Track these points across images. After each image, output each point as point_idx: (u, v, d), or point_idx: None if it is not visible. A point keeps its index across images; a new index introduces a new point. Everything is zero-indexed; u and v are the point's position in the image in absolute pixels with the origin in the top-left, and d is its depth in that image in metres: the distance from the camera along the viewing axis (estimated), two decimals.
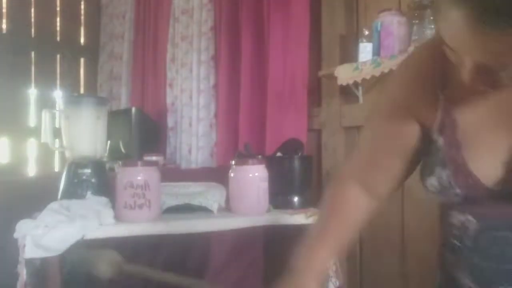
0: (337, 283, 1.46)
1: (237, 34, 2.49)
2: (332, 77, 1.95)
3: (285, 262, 1.94)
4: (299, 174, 1.54)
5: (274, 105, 2.23)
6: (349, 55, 2.01)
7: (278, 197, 1.50)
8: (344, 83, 1.87)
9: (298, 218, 1.43)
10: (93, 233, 1.21)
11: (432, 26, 1.80)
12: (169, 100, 3.01)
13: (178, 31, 2.97)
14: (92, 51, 3.87)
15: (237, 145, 2.41)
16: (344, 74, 1.86)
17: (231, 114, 2.52)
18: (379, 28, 1.76)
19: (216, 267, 1.82)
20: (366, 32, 1.85)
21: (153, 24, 3.25)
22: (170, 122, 2.99)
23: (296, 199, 1.53)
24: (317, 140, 2.14)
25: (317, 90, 2.15)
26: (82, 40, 3.89)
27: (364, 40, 1.85)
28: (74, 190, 1.39)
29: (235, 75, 2.49)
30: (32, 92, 3.51)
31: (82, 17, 3.88)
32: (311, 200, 1.58)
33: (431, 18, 1.80)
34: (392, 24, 1.72)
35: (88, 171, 1.41)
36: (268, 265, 2.02)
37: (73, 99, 1.50)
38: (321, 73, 2.07)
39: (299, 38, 2.16)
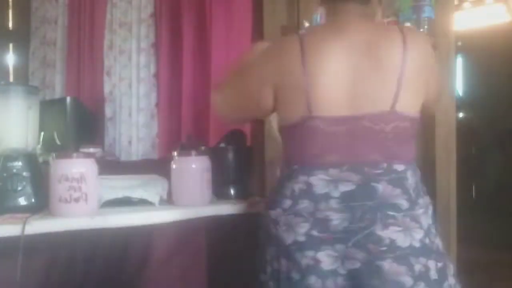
0: None
1: (178, 21, 2.44)
2: None
3: (228, 252, 1.96)
4: (241, 165, 1.55)
5: None
6: None
7: (222, 187, 1.50)
8: None
9: (241, 208, 1.44)
10: (30, 228, 1.15)
11: None
12: (106, 89, 2.90)
13: (116, 17, 2.85)
14: (22, 36, 3.64)
15: (179, 136, 2.38)
16: None
17: (173, 104, 2.47)
18: (318, 20, 1.80)
19: (158, 261, 1.80)
20: (307, 24, 1.88)
21: (89, 9, 3.11)
22: (108, 112, 2.88)
23: (239, 189, 1.54)
24: (261, 130, 2.16)
25: None
26: (10, 24, 3.65)
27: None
28: (4, 184, 1.30)
29: (176, 64, 2.45)
30: None
31: (10, 0, 3.63)
32: (254, 189, 1.59)
33: None
34: None
35: (18, 164, 1.33)
36: (211, 255, 2.02)
37: (1, 88, 1.40)
38: None
39: (241, 27, 2.15)
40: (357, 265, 0.91)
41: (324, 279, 0.92)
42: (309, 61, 0.96)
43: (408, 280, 0.89)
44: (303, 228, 0.95)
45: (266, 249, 1.02)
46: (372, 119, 0.95)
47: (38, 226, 1.19)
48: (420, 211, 0.95)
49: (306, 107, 0.96)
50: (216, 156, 1.48)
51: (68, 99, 2.57)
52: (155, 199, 1.40)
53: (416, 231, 0.93)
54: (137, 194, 1.39)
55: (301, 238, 0.94)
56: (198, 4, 2.33)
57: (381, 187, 0.93)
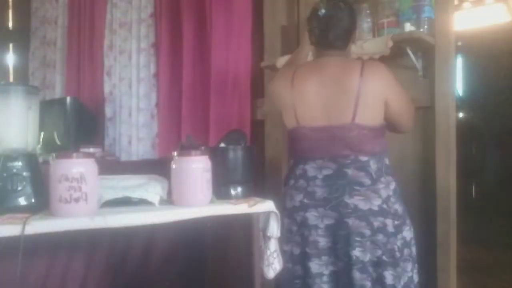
0: (277, 268, 1.49)
1: (178, 21, 2.44)
2: (275, 68, 1.97)
3: (228, 252, 1.96)
4: (241, 165, 1.54)
5: (217, 95, 2.22)
6: (291, 46, 2.04)
7: (221, 187, 1.50)
8: None
9: (241, 208, 1.44)
10: (30, 228, 1.15)
11: (369, 20, 1.87)
12: (106, 89, 2.91)
13: (116, 17, 2.86)
14: (22, 36, 3.63)
15: (179, 136, 2.38)
16: None
17: (173, 104, 2.47)
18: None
19: (158, 261, 1.80)
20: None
21: (89, 9, 3.11)
22: (108, 112, 2.88)
23: (239, 189, 1.54)
24: (262, 130, 2.16)
25: (260, 81, 2.17)
26: (10, 24, 3.65)
27: None
28: (4, 184, 1.30)
29: (176, 64, 2.45)
30: None
31: (10, 0, 3.63)
32: (254, 189, 1.59)
33: (367, 12, 1.87)
34: None
35: (18, 164, 1.33)
36: (211, 255, 2.02)
37: (1, 88, 1.40)
38: (263, 64, 2.08)
39: (241, 28, 2.15)
40: (332, 221, 1.37)
41: (310, 230, 1.40)
42: (296, 86, 1.43)
43: (367, 232, 1.33)
44: (298, 197, 1.43)
45: (282, 213, 1.44)
46: (340, 129, 1.38)
47: (38, 226, 1.18)
48: (381, 186, 1.37)
49: (295, 120, 1.44)
50: (216, 156, 1.48)
51: (68, 99, 2.57)
52: (155, 199, 1.40)
53: (375, 200, 1.35)
54: (137, 194, 1.39)
55: (297, 204, 1.43)
56: (198, 4, 2.33)
57: (350, 171, 1.37)
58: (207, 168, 1.41)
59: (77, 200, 1.22)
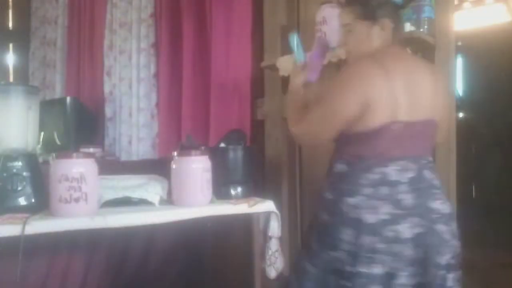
0: (279, 268, 1.49)
1: (178, 21, 2.44)
2: (274, 68, 1.97)
3: (228, 252, 1.96)
4: (242, 165, 1.55)
5: (217, 95, 2.22)
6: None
7: (221, 187, 1.50)
8: (286, 74, 1.89)
9: (241, 208, 1.44)
10: (30, 228, 1.15)
11: None
12: (106, 89, 2.90)
13: (116, 17, 2.85)
14: (22, 36, 3.63)
15: (179, 136, 2.38)
16: (285, 65, 1.88)
17: (173, 104, 2.47)
18: (295, 41, 1.79)
19: (158, 261, 1.80)
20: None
21: (89, 9, 3.10)
22: (108, 112, 2.88)
23: (239, 189, 1.54)
24: (262, 130, 2.16)
25: (260, 81, 2.16)
26: (10, 24, 3.64)
27: None
28: (4, 184, 1.30)
29: (176, 64, 2.45)
30: None
31: (10, 0, 3.63)
32: (254, 189, 1.59)
33: None
34: (332, 17, 1.76)
35: (18, 164, 1.33)
36: (211, 255, 2.02)
37: (1, 88, 1.40)
38: (263, 64, 2.08)
39: (241, 28, 2.15)
40: (421, 230, 1.20)
41: (404, 245, 1.19)
42: (392, 73, 1.23)
43: (449, 237, 1.24)
44: (385, 208, 1.20)
45: (342, 230, 1.22)
46: (423, 125, 1.26)
47: (38, 226, 1.18)
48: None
49: (390, 114, 1.22)
50: (216, 156, 1.48)
51: (68, 99, 2.57)
52: (155, 199, 1.40)
53: (447, 202, 1.27)
54: (137, 194, 1.39)
55: (385, 217, 1.20)
56: (198, 4, 2.33)
57: (427, 173, 1.26)
58: (207, 168, 1.41)
59: (77, 200, 1.23)
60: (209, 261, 1.99)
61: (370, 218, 1.20)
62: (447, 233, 1.24)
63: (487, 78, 4.48)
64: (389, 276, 1.20)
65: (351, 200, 1.22)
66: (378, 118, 1.23)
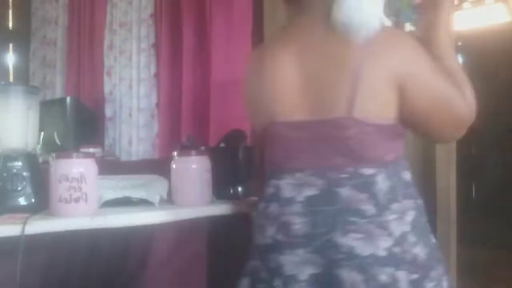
0: None
1: (178, 21, 2.44)
2: None
3: (228, 252, 1.95)
4: (242, 165, 1.55)
5: (218, 95, 2.22)
6: None
7: (221, 187, 1.50)
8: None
9: (241, 208, 1.44)
10: (30, 228, 1.15)
11: None
12: (107, 89, 2.91)
13: (116, 17, 2.85)
14: (23, 36, 3.63)
15: (179, 136, 2.38)
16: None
17: (173, 104, 2.47)
18: None
19: (158, 261, 1.80)
20: None
21: (89, 9, 3.11)
22: (108, 112, 2.88)
23: (239, 189, 1.54)
24: None
25: None
26: (10, 24, 3.64)
27: None
28: (4, 184, 1.30)
29: (177, 64, 2.45)
30: None
31: (10, 0, 3.63)
32: (254, 189, 1.59)
33: None
34: None
35: (18, 164, 1.33)
36: (211, 255, 2.02)
37: (1, 88, 1.40)
38: None
39: (241, 28, 2.15)
40: (318, 270, 0.88)
41: (286, 283, 0.90)
42: (267, 67, 0.98)
43: None
44: (270, 231, 0.95)
45: (249, 247, 1.04)
46: (330, 125, 0.89)
47: (38, 226, 1.18)
48: (391, 217, 0.87)
49: (267, 114, 0.97)
50: (216, 156, 1.48)
51: (68, 99, 2.57)
52: (155, 199, 1.40)
53: (382, 239, 0.85)
54: (137, 194, 1.39)
55: (268, 241, 0.95)
56: (198, 4, 2.33)
57: (344, 191, 0.88)
58: (207, 168, 1.41)
59: (77, 200, 1.23)
60: (209, 261, 1.99)
61: (258, 239, 0.99)
62: (362, 283, 0.84)
63: (487, 78, 4.48)
64: None
65: (253, 214, 1.05)
66: (258, 120, 1.02)
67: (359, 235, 0.86)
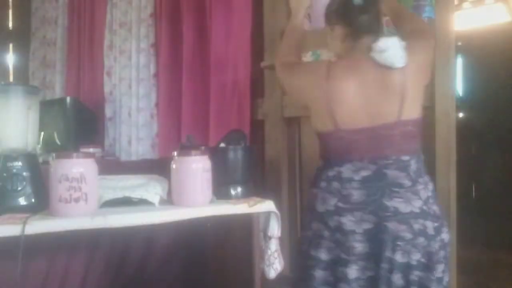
0: (278, 268, 1.49)
1: (178, 22, 2.44)
2: (274, 68, 1.96)
3: (228, 252, 1.95)
4: (242, 165, 1.54)
5: (217, 95, 2.22)
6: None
7: (221, 187, 1.50)
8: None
9: (241, 208, 1.43)
10: (30, 228, 1.15)
11: None
12: (106, 89, 2.91)
13: (116, 17, 2.86)
14: (22, 36, 3.64)
15: (179, 136, 2.38)
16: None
17: (172, 104, 2.47)
18: (318, 54, 1.80)
19: (158, 261, 1.79)
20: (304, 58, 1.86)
21: (89, 9, 3.11)
22: (108, 112, 2.88)
23: (239, 189, 1.54)
24: (262, 130, 2.16)
25: (260, 81, 2.16)
26: (10, 24, 3.64)
27: None
28: (4, 184, 1.30)
29: (176, 64, 2.45)
30: None
31: (10, 0, 3.63)
32: (254, 189, 1.59)
33: None
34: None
35: (18, 164, 1.33)
36: (211, 255, 2.02)
37: (1, 88, 1.40)
38: (263, 64, 2.08)
39: (241, 28, 2.15)
40: (371, 226, 1.27)
41: (347, 235, 1.29)
42: (333, 86, 1.32)
43: (407, 235, 1.25)
44: (332, 201, 1.32)
45: (306, 215, 1.43)
46: (383, 128, 1.30)
47: (38, 226, 1.18)
48: (420, 187, 1.30)
49: (332, 124, 1.33)
50: (216, 156, 1.48)
51: (68, 99, 2.57)
52: (155, 199, 1.40)
53: (415, 201, 1.28)
54: (137, 194, 1.39)
55: (331, 208, 1.32)
56: (198, 4, 2.33)
57: (390, 172, 1.29)
58: (207, 168, 1.41)
59: (77, 200, 1.22)
60: (209, 261, 1.99)
61: (320, 207, 1.35)
62: (404, 231, 1.25)
63: (487, 78, 4.47)
64: (335, 264, 1.31)
65: (312, 191, 1.40)
66: (319, 123, 1.38)
67: (400, 199, 1.27)
